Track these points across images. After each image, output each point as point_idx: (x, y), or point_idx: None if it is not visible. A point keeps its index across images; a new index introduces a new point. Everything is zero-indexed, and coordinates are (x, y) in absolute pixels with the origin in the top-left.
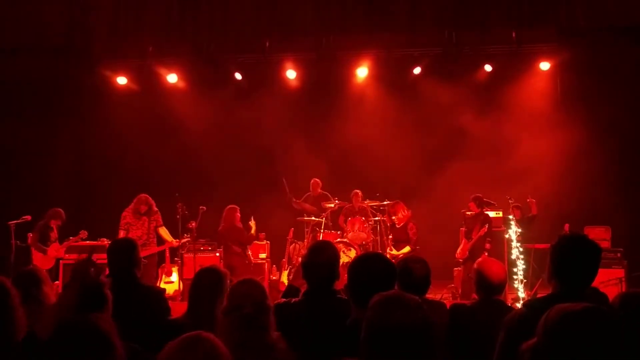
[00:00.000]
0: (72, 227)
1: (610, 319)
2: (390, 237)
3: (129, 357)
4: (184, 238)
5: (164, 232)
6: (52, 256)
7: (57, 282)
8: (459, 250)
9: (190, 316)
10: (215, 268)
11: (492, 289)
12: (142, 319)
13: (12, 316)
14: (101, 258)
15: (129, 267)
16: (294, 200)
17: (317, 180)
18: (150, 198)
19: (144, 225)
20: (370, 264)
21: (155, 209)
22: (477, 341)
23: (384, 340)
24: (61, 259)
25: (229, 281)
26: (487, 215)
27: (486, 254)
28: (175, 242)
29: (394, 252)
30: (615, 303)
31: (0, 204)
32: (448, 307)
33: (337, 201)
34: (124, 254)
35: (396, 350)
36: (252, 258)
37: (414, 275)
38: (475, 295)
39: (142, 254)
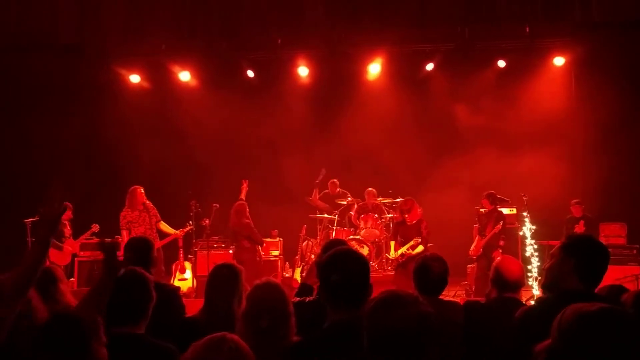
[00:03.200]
0: (85, 225)
1: (627, 320)
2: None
3: (162, 357)
4: (187, 227)
5: (164, 226)
6: (67, 252)
7: (72, 279)
8: (472, 247)
9: (206, 313)
10: (231, 265)
11: (507, 286)
12: (157, 317)
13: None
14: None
15: (145, 265)
16: (316, 193)
17: (335, 180)
18: (137, 189)
19: (145, 221)
20: (342, 263)
21: (151, 204)
22: (491, 339)
23: (387, 342)
24: (76, 255)
25: (244, 278)
26: (501, 212)
27: (500, 251)
28: (179, 233)
29: (410, 251)
30: (627, 302)
31: (15, 202)
32: (462, 304)
33: (349, 198)
34: (141, 252)
35: (399, 349)
36: (262, 254)
37: (432, 273)
38: (491, 293)
39: None
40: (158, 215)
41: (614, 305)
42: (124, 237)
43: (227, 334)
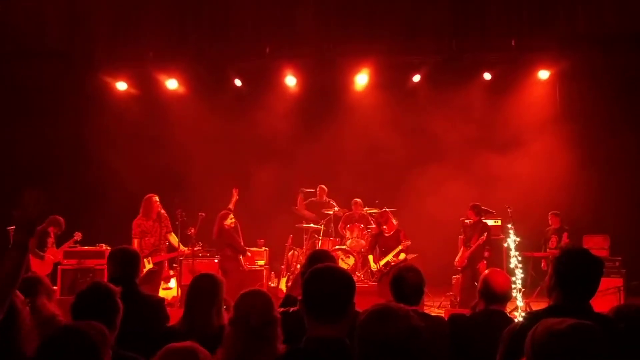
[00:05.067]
0: (69, 233)
1: (595, 336)
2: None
3: None
4: (196, 246)
5: (173, 238)
6: (49, 261)
7: (54, 287)
8: (457, 258)
9: (185, 323)
10: (211, 275)
11: (495, 298)
12: (140, 328)
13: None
14: (100, 264)
15: (130, 275)
16: (300, 200)
17: (324, 187)
18: (153, 197)
19: (157, 232)
20: (327, 277)
21: (165, 213)
22: (477, 352)
23: (378, 354)
24: (59, 263)
25: (225, 288)
26: (486, 223)
27: (485, 262)
28: (187, 250)
29: (395, 259)
30: (609, 316)
31: None
32: (447, 316)
33: (336, 209)
34: (126, 262)
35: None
36: (243, 263)
37: (407, 284)
38: (478, 305)
39: (154, 259)
40: (169, 225)
41: (584, 320)
42: (134, 245)
43: (186, 343)
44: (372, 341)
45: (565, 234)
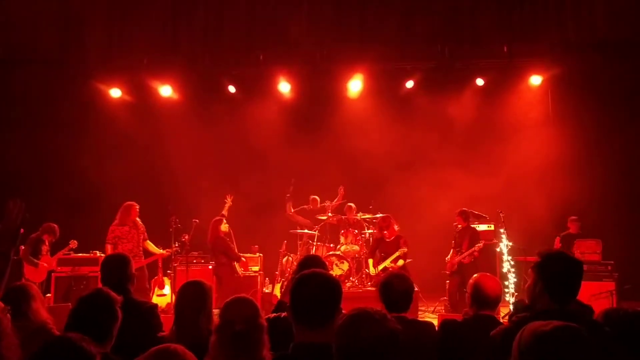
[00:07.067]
0: (63, 240)
1: (579, 337)
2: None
3: None
4: (174, 247)
5: (150, 245)
6: (43, 269)
7: (48, 295)
8: (447, 262)
9: (175, 330)
10: (198, 282)
11: (486, 303)
12: (133, 335)
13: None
14: (93, 271)
15: (123, 282)
16: (289, 206)
17: (316, 197)
18: (135, 206)
19: (133, 238)
20: (313, 283)
21: (139, 221)
22: (467, 357)
23: (354, 357)
24: (53, 271)
25: (213, 295)
26: (475, 229)
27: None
28: (165, 253)
29: (392, 265)
30: (598, 320)
31: None
32: (440, 320)
33: (330, 214)
34: (118, 268)
35: None
36: (238, 270)
37: (394, 289)
38: (467, 309)
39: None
40: (145, 233)
41: (570, 322)
42: (107, 251)
43: (170, 345)
44: (348, 346)
45: (557, 239)
